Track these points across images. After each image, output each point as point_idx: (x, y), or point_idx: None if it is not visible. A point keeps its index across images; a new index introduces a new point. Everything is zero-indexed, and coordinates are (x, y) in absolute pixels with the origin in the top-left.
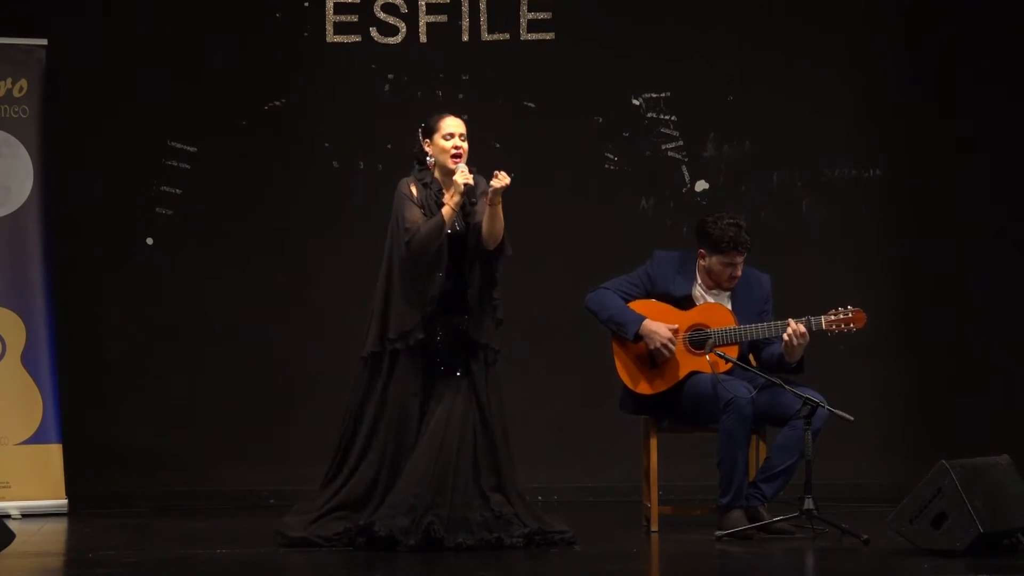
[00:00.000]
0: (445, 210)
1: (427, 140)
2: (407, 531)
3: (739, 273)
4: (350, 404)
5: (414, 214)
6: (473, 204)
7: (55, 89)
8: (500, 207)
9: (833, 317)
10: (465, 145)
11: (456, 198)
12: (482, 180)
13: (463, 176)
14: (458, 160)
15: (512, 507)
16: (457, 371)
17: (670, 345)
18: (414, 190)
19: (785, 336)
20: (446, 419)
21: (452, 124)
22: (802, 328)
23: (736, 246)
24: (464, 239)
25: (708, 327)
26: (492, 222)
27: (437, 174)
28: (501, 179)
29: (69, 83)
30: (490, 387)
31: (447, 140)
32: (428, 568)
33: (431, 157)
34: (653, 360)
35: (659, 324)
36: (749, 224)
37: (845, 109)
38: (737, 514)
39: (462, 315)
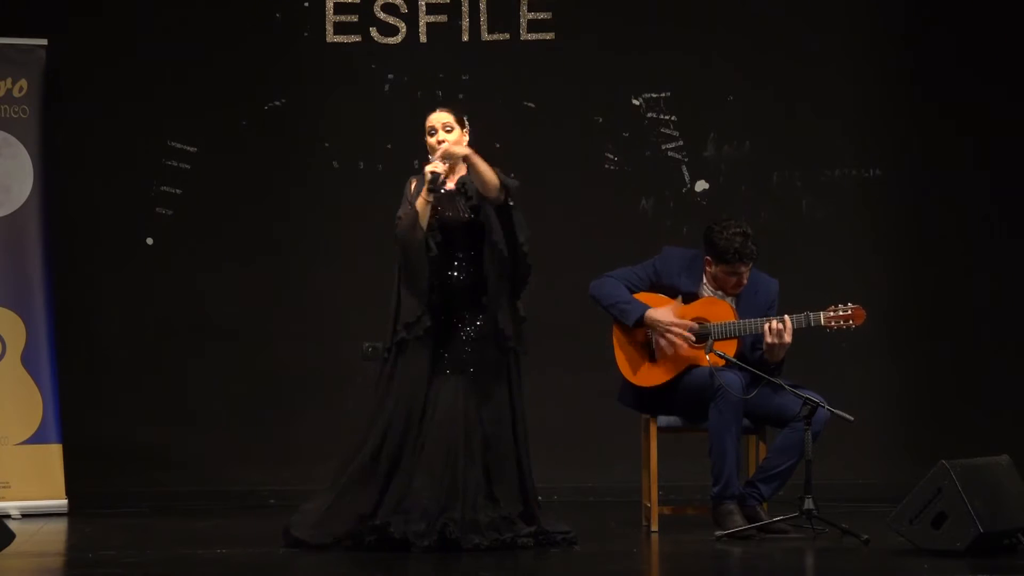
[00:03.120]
0: (419, 202)
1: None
2: (422, 534)
3: (744, 281)
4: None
5: (403, 208)
6: (469, 198)
7: (55, 89)
8: (476, 162)
9: (832, 313)
10: (451, 136)
11: (434, 191)
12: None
13: (432, 166)
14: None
15: (513, 508)
16: (470, 369)
17: (674, 330)
18: (413, 187)
19: (765, 327)
20: (459, 420)
21: (432, 118)
22: (779, 326)
23: (741, 257)
24: (472, 228)
25: (708, 321)
26: (477, 178)
27: None
28: (435, 165)
29: (69, 83)
30: (512, 384)
31: (431, 136)
32: (430, 568)
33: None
34: (653, 352)
35: (663, 311)
36: (755, 231)
37: (845, 109)
38: (729, 507)
39: (479, 311)
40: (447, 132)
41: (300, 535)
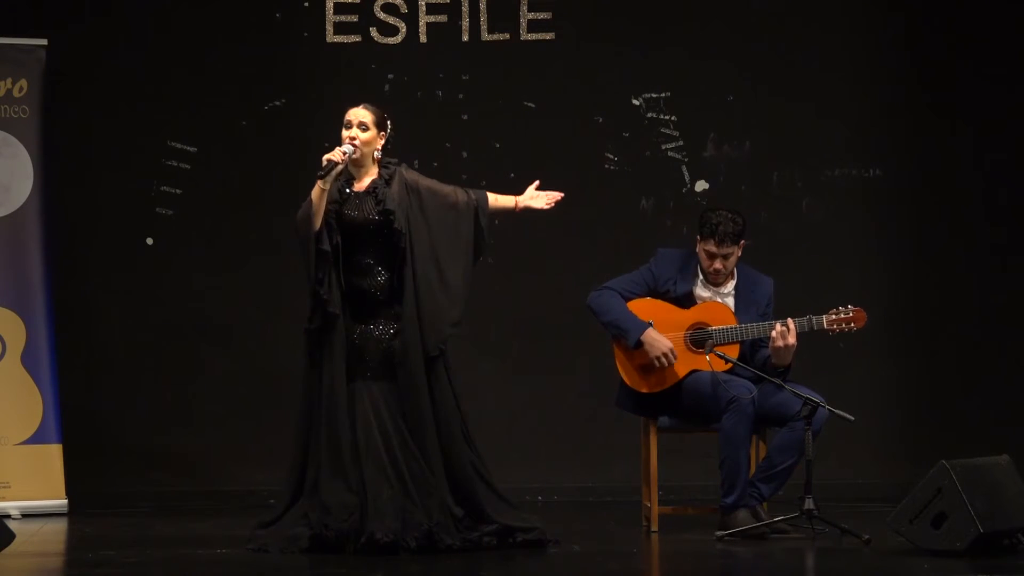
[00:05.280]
0: (314, 190)
1: None
2: (396, 534)
3: (720, 266)
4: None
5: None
6: (380, 201)
7: (55, 89)
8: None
9: (834, 316)
10: (364, 135)
11: (323, 177)
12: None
13: (331, 154)
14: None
15: (471, 507)
16: (389, 375)
17: (671, 356)
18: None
19: (773, 332)
20: (388, 429)
21: (351, 113)
22: (783, 328)
23: (714, 232)
24: (382, 232)
25: (709, 325)
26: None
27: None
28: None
29: (69, 83)
30: (436, 388)
31: (346, 128)
32: (427, 569)
33: None
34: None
35: (661, 336)
36: (748, 222)
37: (845, 109)
38: (743, 514)
39: (393, 318)
40: (362, 131)
41: (267, 546)
